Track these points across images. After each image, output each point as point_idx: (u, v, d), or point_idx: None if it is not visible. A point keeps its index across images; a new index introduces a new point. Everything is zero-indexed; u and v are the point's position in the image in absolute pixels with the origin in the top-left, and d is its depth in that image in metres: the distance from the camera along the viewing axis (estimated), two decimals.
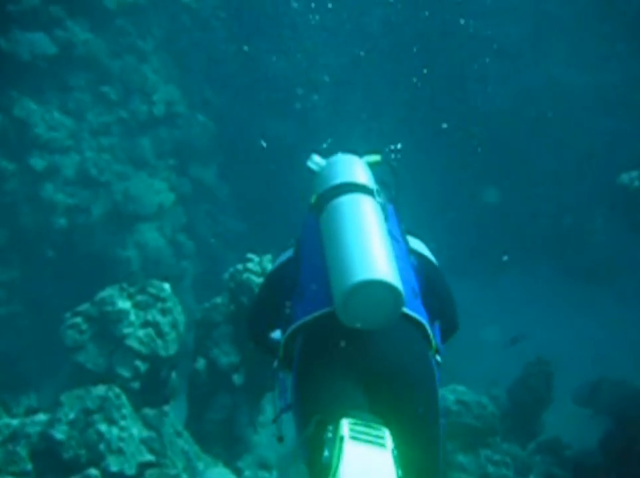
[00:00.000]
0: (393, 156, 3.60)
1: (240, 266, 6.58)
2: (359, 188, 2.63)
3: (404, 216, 3.03)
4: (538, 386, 7.48)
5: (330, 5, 11.84)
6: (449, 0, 12.62)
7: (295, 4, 12.04)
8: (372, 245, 2.42)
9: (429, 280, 2.79)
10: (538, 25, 12.83)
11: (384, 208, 2.67)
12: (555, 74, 12.63)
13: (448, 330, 2.81)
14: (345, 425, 2.13)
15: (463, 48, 12.77)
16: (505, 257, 10.92)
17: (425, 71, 11.92)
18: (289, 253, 2.87)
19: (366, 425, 2.15)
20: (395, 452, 2.11)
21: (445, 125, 11.63)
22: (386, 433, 2.16)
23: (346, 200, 2.60)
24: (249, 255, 6.67)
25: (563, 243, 12.15)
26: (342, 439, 2.09)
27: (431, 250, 2.96)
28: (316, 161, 2.93)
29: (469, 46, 12.75)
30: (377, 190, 2.70)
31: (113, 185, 10.00)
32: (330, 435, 2.15)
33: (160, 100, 10.76)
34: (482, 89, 12.59)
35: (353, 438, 2.09)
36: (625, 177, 8.27)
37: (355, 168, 2.78)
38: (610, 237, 11.50)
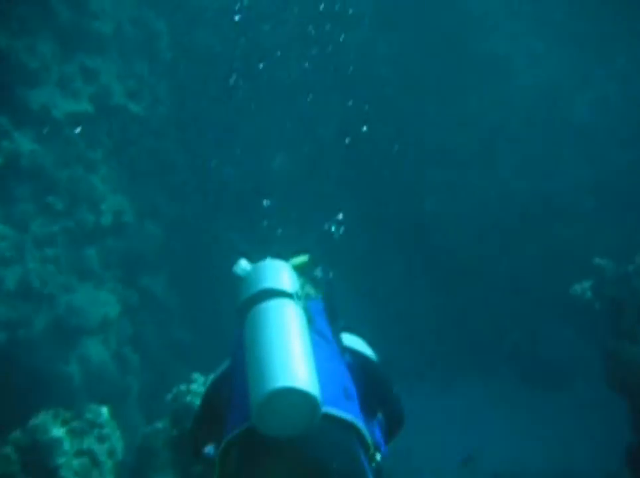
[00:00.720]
0: (335, 230, 3.67)
1: (183, 387, 6.31)
2: (277, 294, 2.63)
3: (343, 312, 3.00)
4: None
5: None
6: (398, 111, 12.97)
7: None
8: (283, 353, 2.40)
9: (367, 376, 2.76)
10: (487, 134, 13.11)
11: (307, 310, 2.64)
12: (504, 181, 12.86)
13: (393, 425, 2.79)
14: None
15: (414, 157, 13.01)
16: None
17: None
18: (226, 364, 2.85)
19: None
20: None
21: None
22: None
23: (263, 307, 2.59)
24: (194, 375, 6.40)
25: (518, 351, 12.12)
26: None
27: (369, 344, 2.95)
28: (242, 267, 2.92)
29: (419, 155, 13.00)
30: (297, 294, 2.68)
31: (56, 298, 9.71)
32: None
33: (108, 210, 10.63)
34: (434, 197, 12.80)
35: None
36: (577, 288, 8.27)
37: (276, 273, 2.78)
38: (563, 344, 11.49)
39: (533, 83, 12.95)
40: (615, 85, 12.61)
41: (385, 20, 13.02)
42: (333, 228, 7.93)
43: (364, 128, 11.60)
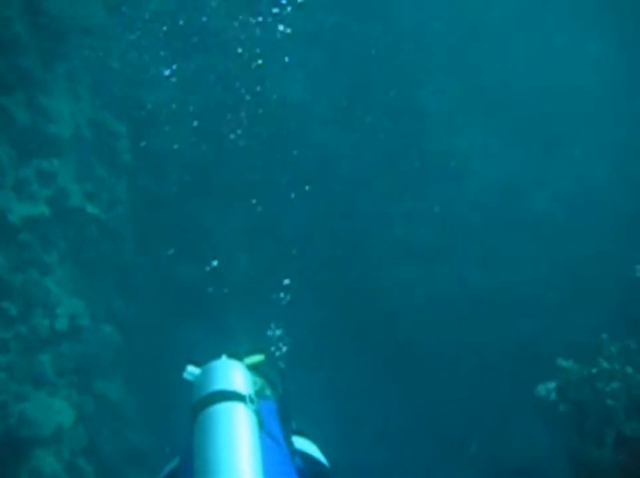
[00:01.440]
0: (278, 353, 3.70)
1: None
2: (228, 396, 2.59)
3: (305, 410, 3.08)
4: None
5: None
6: (359, 208, 13.12)
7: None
8: (229, 460, 2.36)
9: None
10: (449, 228, 13.24)
11: (259, 413, 2.61)
12: (467, 275, 12.93)
13: None
14: None
15: (377, 252, 13.07)
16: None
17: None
18: (173, 464, 2.82)
19: None
20: None
21: None
22: None
23: (212, 411, 2.54)
24: None
25: (483, 451, 11.87)
26: None
27: (320, 448, 2.96)
28: (190, 371, 2.86)
29: (381, 250, 13.07)
30: (250, 396, 2.64)
31: (8, 407, 9.35)
32: None
33: (63, 314, 10.43)
34: (396, 291, 12.78)
35: None
36: (541, 389, 8.17)
37: (228, 374, 2.74)
38: (529, 444, 11.28)
39: (490, 179, 13.24)
40: (571, 180, 12.96)
41: (343, 119, 13.34)
42: (282, 295, 7.84)
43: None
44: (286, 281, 9.07)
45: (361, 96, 13.35)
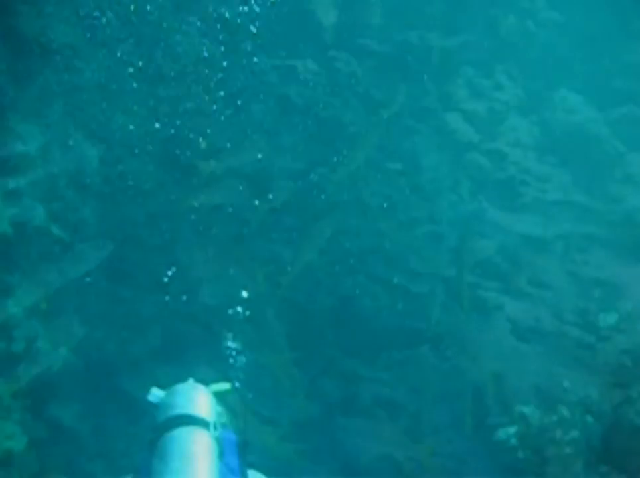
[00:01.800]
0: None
1: None
2: (192, 421, 2.59)
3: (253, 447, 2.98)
4: None
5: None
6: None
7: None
8: None
9: None
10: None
11: (220, 442, 2.63)
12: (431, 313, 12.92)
13: None
14: None
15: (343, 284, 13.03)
16: None
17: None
18: None
19: None
20: None
21: None
22: None
23: (174, 435, 2.53)
24: None
25: None
26: None
27: None
28: (155, 393, 2.89)
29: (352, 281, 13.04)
30: (214, 423, 2.67)
31: None
32: None
33: (20, 336, 10.22)
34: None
35: None
36: (501, 433, 8.12)
37: (193, 398, 2.76)
38: None
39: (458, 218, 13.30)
40: (539, 225, 13.05)
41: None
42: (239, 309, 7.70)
43: None
44: (244, 294, 8.98)
45: (333, 131, 13.42)
